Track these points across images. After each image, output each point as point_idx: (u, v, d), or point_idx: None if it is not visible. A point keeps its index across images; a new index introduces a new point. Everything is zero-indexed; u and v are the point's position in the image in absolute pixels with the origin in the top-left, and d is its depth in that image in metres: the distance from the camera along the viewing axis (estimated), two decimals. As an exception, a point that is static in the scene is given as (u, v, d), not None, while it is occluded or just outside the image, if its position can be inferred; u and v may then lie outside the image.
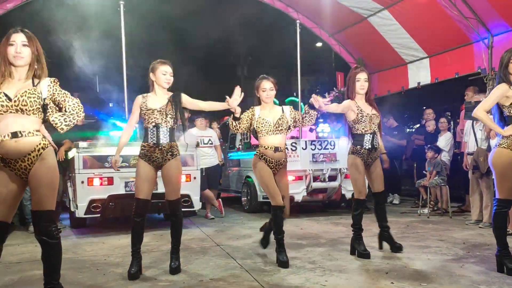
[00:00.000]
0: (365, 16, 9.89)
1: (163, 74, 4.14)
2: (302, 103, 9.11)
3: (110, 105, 8.29)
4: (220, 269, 4.24)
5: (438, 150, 7.72)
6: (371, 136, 4.62)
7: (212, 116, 9.71)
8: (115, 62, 7.64)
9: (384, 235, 4.81)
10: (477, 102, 6.61)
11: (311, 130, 9.58)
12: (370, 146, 4.62)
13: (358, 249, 4.59)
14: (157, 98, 4.15)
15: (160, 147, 4.05)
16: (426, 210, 7.65)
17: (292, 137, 9.04)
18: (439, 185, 7.60)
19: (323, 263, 4.36)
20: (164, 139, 4.05)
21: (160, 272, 4.19)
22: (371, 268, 4.07)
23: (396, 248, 4.72)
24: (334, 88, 11.73)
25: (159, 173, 4.18)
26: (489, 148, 6.07)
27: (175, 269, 4.12)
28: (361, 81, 4.61)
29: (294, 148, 7.63)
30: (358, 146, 4.60)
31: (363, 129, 4.61)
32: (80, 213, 6.06)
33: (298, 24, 8.92)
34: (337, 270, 4.10)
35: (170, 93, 4.22)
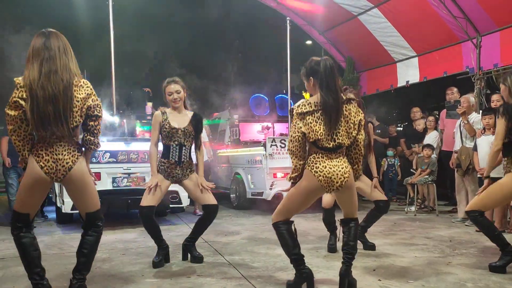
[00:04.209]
0: (355, 14, 9.92)
1: (168, 95, 4.28)
2: (291, 100, 9.10)
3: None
4: (208, 266, 4.22)
5: (433, 149, 7.77)
6: None
7: (202, 113, 9.67)
8: (104, 57, 7.56)
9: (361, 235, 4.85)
10: (457, 101, 6.69)
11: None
12: None
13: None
14: (178, 117, 4.29)
15: (181, 165, 4.24)
16: (413, 208, 7.71)
17: (281, 134, 9.06)
18: (426, 183, 7.65)
19: (311, 259, 4.36)
20: (185, 157, 4.26)
21: (147, 268, 4.15)
22: (358, 265, 4.08)
23: (369, 246, 4.80)
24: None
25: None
26: (475, 147, 6.12)
27: (201, 258, 4.35)
28: None
29: (283, 145, 7.63)
30: None
31: None
32: (67, 208, 6.00)
33: (288, 21, 8.90)
34: (325, 266, 4.11)
35: (189, 112, 4.38)
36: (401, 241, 5.29)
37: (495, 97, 6.33)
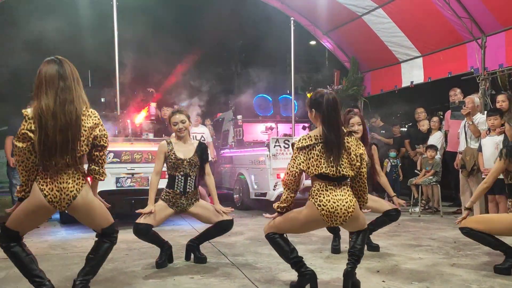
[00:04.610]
0: (360, 14, 9.89)
1: (174, 125, 4.26)
2: (295, 101, 9.09)
3: (102, 100, 8.22)
4: (211, 266, 4.22)
5: (437, 150, 7.74)
6: None
7: (205, 113, 9.67)
8: (107, 55, 7.56)
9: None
10: (461, 102, 6.65)
11: (304, 128, 9.59)
12: None
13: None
14: (183, 147, 4.27)
15: (186, 195, 4.23)
16: (417, 209, 7.68)
17: (285, 135, 9.04)
18: (431, 183, 7.62)
19: (315, 260, 4.35)
20: (190, 187, 4.24)
21: (151, 268, 4.16)
22: (362, 267, 4.06)
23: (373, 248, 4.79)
24: (328, 86, 11.74)
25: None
26: (479, 148, 6.09)
27: (204, 259, 4.36)
28: (355, 125, 4.55)
29: (286, 146, 7.62)
30: None
31: None
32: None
33: (292, 22, 8.88)
34: (328, 267, 4.09)
35: (194, 141, 4.39)
36: (405, 242, 5.26)
37: (500, 97, 6.29)
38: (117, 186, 6.25)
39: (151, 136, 7.32)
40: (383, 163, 9.03)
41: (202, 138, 7.97)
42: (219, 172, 9.66)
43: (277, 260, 4.36)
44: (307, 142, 3.17)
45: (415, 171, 8.13)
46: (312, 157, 3.15)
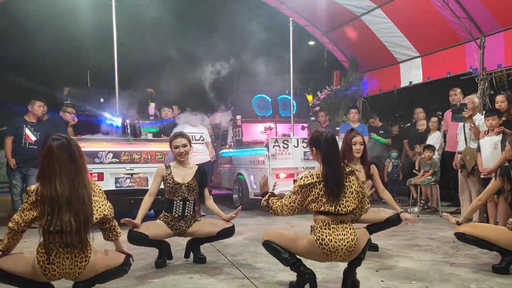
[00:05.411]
0: (358, 15, 9.91)
1: (175, 148, 4.26)
2: (294, 101, 9.09)
3: (101, 100, 8.20)
4: (210, 266, 4.22)
5: (434, 150, 7.75)
6: None
7: (205, 113, 9.67)
8: (107, 56, 7.56)
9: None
10: (463, 104, 6.66)
11: (303, 128, 9.60)
12: None
13: None
14: (182, 171, 4.26)
15: (185, 219, 4.23)
16: (416, 209, 7.68)
17: (284, 135, 9.05)
18: (430, 183, 7.63)
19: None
20: (189, 211, 4.24)
21: (150, 268, 4.16)
22: (361, 266, 4.05)
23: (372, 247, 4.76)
24: (327, 86, 11.75)
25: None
26: (478, 148, 6.10)
27: (204, 259, 4.36)
28: (357, 144, 4.58)
29: (285, 146, 7.62)
30: None
31: None
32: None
33: (291, 22, 8.88)
34: (327, 267, 4.09)
35: (194, 165, 4.37)
36: (404, 242, 5.27)
37: (499, 98, 6.30)
38: (116, 186, 6.25)
39: (150, 136, 7.32)
40: (384, 163, 9.04)
41: (201, 138, 7.97)
42: (218, 172, 9.66)
43: (276, 260, 4.37)
44: (309, 180, 3.22)
45: (414, 171, 8.14)
46: (314, 195, 3.21)
